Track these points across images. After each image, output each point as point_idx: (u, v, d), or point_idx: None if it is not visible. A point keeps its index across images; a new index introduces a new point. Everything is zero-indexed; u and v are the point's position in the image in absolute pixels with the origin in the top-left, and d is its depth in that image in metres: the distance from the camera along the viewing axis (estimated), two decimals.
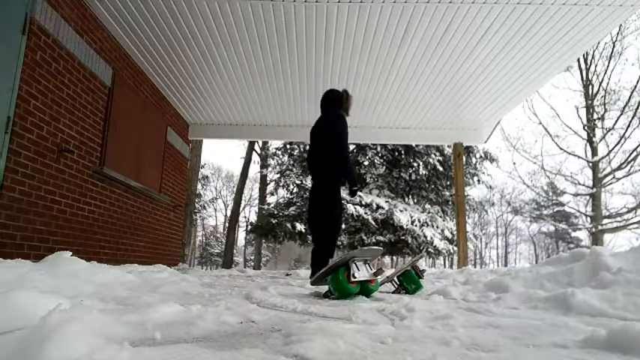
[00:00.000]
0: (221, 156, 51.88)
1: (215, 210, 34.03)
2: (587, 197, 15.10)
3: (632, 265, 1.59)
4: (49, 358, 0.58)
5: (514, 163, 18.23)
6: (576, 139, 23.44)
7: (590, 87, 14.54)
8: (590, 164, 14.45)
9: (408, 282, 2.29)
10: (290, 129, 7.07)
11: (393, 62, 4.90)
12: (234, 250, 21.57)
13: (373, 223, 12.13)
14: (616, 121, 13.80)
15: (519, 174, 23.44)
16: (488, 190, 17.07)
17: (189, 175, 8.53)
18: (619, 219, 13.76)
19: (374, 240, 12.45)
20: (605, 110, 14.31)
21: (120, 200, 4.55)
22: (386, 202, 12.50)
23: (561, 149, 14.90)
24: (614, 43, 13.86)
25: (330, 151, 3.23)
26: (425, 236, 12.32)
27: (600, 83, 14.36)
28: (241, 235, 27.44)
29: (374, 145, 13.00)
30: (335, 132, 3.25)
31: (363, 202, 12.23)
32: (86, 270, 1.83)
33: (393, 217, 12.17)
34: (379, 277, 2.07)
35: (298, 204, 14.09)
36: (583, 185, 14.80)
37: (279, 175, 16.44)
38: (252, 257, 24.94)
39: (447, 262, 24.15)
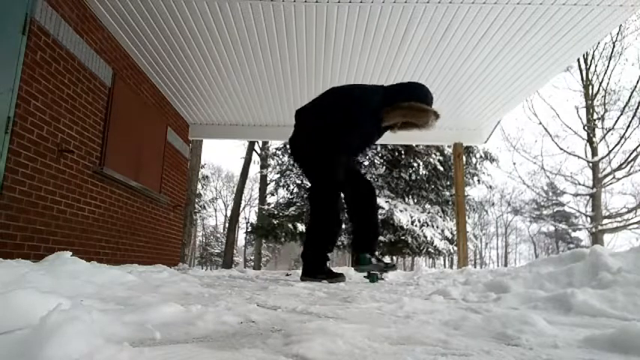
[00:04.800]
0: (221, 156, 52.02)
1: (215, 210, 34.08)
2: (587, 197, 15.11)
3: (632, 265, 1.59)
4: (49, 358, 0.58)
5: (514, 163, 18.29)
6: (576, 139, 23.43)
7: (590, 87, 14.55)
8: (590, 164, 14.46)
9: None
10: (290, 129, 7.03)
11: (393, 62, 4.90)
12: (234, 250, 21.57)
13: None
14: (616, 121, 13.83)
15: (519, 174, 23.50)
16: (488, 190, 17.08)
17: (189, 175, 8.53)
18: (619, 219, 13.78)
19: None
20: (605, 110, 14.33)
21: (120, 200, 4.55)
22: (386, 202, 12.50)
23: (561, 149, 14.93)
24: (614, 43, 13.87)
25: None
26: (425, 236, 12.32)
27: (600, 83, 14.38)
28: (241, 236, 27.45)
29: (374, 145, 13.00)
30: None
31: None
32: (86, 270, 1.82)
33: (393, 217, 12.17)
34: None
35: (298, 204, 14.09)
36: (583, 185, 14.81)
37: (279, 175, 16.45)
38: (252, 257, 24.95)
39: (447, 262, 24.16)
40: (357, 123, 2.74)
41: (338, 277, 2.98)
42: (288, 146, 3.38)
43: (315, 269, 2.96)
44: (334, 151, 2.82)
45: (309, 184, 3.10)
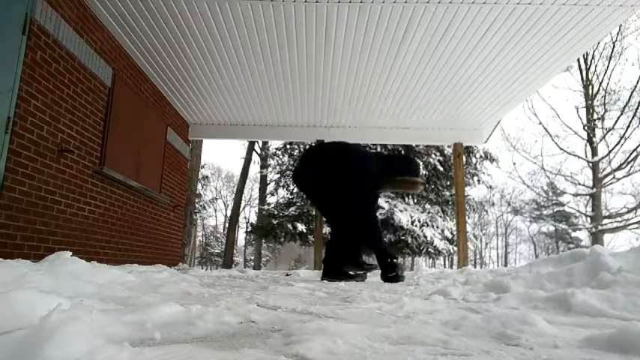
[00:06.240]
0: (221, 156, 51.97)
1: (215, 210, 34.05)
2: (587, 197, 15.11)
3: (632, 265, 1.59)
4: (49, 358, 0.58)
5: (514, 164, 18.27)
6: (576, 139, 23.42)
7: (590, 87, 14.54)
8: (590, 164, 14.46)
9: None
10: (290, 129, 7.06)
11: (393, 62, 4.90)
12: (234, 250, 21.56)
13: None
14: (616, 122, 13.82)
15: (519, 174, 23.49)
16: (488, 190, 17.08)
17: (189, 175, 8.53)
18: (619, 219, 13.77)
19: None
20: (605, 110, 14.33)
21: (120, 200, 4.55)
22: (386, 202, 12.50)
23: (561, 149, 14.93)
24: (614, 43, 13.87)
25: None
26: (425, 236, 12.32)
27: (600, 83, 14.38)
28: (241, 236, 27.44)
29: (374, 145, 12.99)
30: None
31: None
32: (86, 270, 1.83)
33: (393, 217, 12.16)
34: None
35: (298, 204, 14.09)
36: (583, 185, 14.81)
37: (279, 176, 16.45)
38: (252, 257, 24.94)
39: (447, 262, 24.16)
40: (362, 183, 3.34)
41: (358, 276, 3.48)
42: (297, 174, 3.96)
43: (341, 271, 3.44)
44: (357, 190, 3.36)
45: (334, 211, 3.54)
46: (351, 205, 3.38)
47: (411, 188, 3.49)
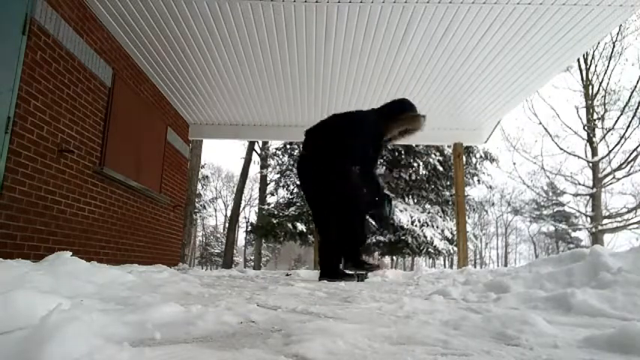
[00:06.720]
0: (221, 156, 52.04)
1: (215, 210, 34.10)
2: (587, 197, 15.11)
3: (632, 265, 1.59)
4: (49, 358, 0.58)
5: (514, 164, 18.31)
6: (576, 139, 23.44)
7: (590, 87, 14.54)
8: (590, 164, 14.46)
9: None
10: (290, 129, 7.06)
11: (393, 62, 4.90)
12: (235, 250, 21.57)
13: (373, 222, 12.13)
14: (616, 121, 13.82)
15: (519, 174, 23.52)
16: (488, 190, 17.09)
17: (189, 175, 8.53)
18: (619, 219, 13.77)
19: (374, 240, 12.45)
20: (605, 110, 14.33)
21: (120, 200, 4.55)
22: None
23: (561, 149, 14.93)
24: (614, 43, 13.87)
25: None
26: (425, 236, 12.32)
27: (600, 83, 14.38)
28: (241, 235, 27.45)
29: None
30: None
31: None
32: (86, 270, 1.83)
33: (393, 217, 12.16)
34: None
35: (298, 204, 14.09)
36: (583, 185, 14.81)
37: (279, 175, 16.45)
38: (252, 257, 24.94)
39: (447, 262, 24.16)
40: (365, 139, 3.32)
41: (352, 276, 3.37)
42: (297, 165, 3.96)
43: (341, 270, 3.38)
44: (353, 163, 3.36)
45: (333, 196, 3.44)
46: (352, 188, 3.34)
47: (415, 122, 3.47)
